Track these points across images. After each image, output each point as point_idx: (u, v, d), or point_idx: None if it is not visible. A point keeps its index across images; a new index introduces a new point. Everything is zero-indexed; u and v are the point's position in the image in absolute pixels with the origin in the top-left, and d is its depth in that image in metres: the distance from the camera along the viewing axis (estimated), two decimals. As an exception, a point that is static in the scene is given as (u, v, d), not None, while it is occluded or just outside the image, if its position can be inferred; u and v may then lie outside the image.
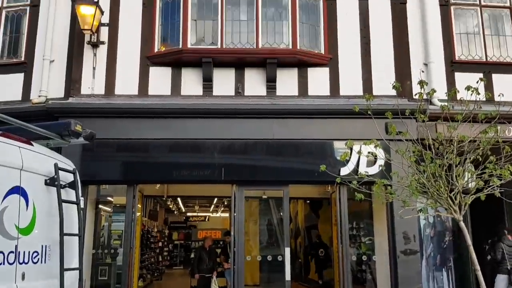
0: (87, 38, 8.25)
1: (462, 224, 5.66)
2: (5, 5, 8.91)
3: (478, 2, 8.91)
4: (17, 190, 3.41)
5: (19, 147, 3.57)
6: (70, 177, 4.12)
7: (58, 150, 4.49)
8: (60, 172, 3.88)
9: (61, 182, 3.85)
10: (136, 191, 8.11)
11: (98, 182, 8.39)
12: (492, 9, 8.93)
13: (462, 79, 8.03)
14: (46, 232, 3.69)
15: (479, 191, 5.67)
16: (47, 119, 6.95)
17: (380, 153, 6.60)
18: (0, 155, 3.33)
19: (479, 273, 5.50)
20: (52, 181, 3.78)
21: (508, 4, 8.95)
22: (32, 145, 3.81)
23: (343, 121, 8.01)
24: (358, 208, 8.89)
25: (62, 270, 3.58)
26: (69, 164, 4.26)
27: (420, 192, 5.76)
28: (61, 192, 3.79)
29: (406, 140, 6.05)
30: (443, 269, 9.32)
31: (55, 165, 3.85)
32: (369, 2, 8.66)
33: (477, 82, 6.07)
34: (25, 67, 8.52)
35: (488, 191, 5.64)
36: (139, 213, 8.60)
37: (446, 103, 6.14)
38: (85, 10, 7.91)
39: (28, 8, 8.81)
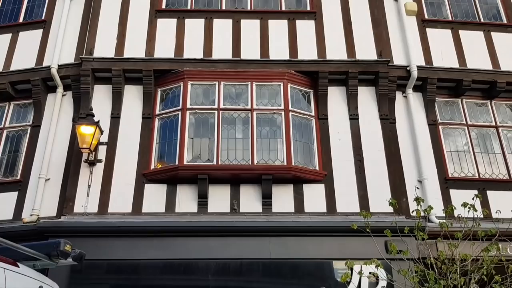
0: (84, 156, 8.37)
1: None
2: (7, 125, 9.19)
3: (464, 122, 9.29)
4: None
5: (4, 268, 3.40)
6: (54, 301, 3.86)
7: (44, 271, 4.27)
8: (44, 296, 3.64)
9: (44, 307, 3.60)
10: (124, 316, 7.59)
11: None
12: (479, 128, 9.28)
13: (458, 195, 8.06)
14: None
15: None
16: (37, 239, 6.77)
17: (381, 273, 6.36)
18: (-18, 279, 3.14)
19: None
20: (35, 306, 3.53)
21: (493, 124, 9.32)
22: (17, 266, 3.63)
23: (342, 239, 7.82)
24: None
25: None
26: (54, 287, 4.02)
27: (426, 314, 5.46)
28: (42, 319, 3.52)
29: (407, 259, 5.88)
30: None
31: (40, 288, 3.63)
32: (360, 120, 9.01)
33: (473, 198, 6.10)
34: (20, 186, 8.50)
35: (497, 313, 5.35)
36: None
37: (444, 221, 6.10)
38: (85, 130, 8.13)
39: (29, 128, 9.06)
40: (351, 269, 6.73)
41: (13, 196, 8.43)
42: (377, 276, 6.86)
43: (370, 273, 6.78)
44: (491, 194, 8.41)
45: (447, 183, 8.59)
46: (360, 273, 6.32)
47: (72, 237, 6.14)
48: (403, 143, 8.93)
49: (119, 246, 7.72)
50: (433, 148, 8.91)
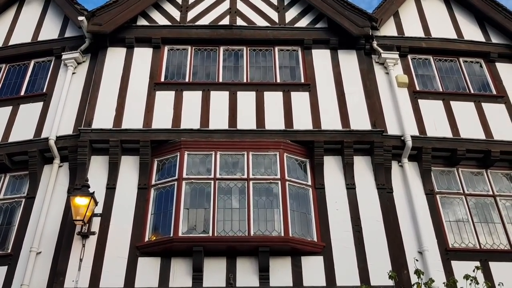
0: (77, 228, 8.21)
1: None
2: (1, 196, 9.10)
3: (462, 191, 9.25)
4: None
5: None
6: None
7: None
8: None
9: None
10: None
11: None
12: (477, 198, 9.21)
13: (459, 267, 7.88)
14: None
15: None
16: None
17: None
18: None
19: None
20: None
21: (491, 193, 9.29)
22: None
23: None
24: None
25: None
26: None
27: None
28: None
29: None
30: None
31: None
32: (357, 190, 8.96)
33: (474, 270, 5.97)
34: (10, 259, 8.26)
35: None
36: None
37: (447, 294, 5.91)
38: (80, 201, 8.04)
39: (23, 200, 8.97)
40: None
41: (2, 270, 8.16)
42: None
43: None
44: (493, 266, 8.19)
45: (448, 254, 8.39)
46: None
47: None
48: (401, 213, 8.83)
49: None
50: (431, 218, 8.80)
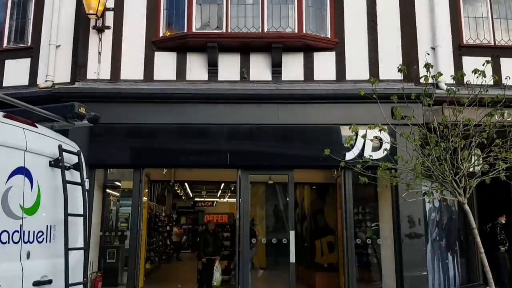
0: (92, 23, 8.25)
1: (466, 207, 5.65)
2: (11, -5, 8.92)
3: (485, -15, 8.74)
4: (22, 170, 3.46)
5: (23, 128, 3.61)
6: (74, 159, 4.16)
7: (65, 134, 4.51)
8: (65, 154, 3.91)
9: (65, 164, 3.89)
10: (143, 176, 8.17)
11: (105, 166, 8.47)
12: (500, -8, 8.75)
13: (470, 63, 7.88)
14: (51, 213, 3.74)
15: (484, 175, 5.65)
16: (54, 104, 6.97)
17: (385, 137, 6.58)
18: (3, 136, 3.36)
19: (483, 255, 5.51)
20: (56, 163, 3.83)
21: (515, -12, 8.77)
22: (36, 127, 3.84)
23: (349, 106, 7.98)
24: (363, 193, 8.90)
25: (67, 249, 3.64)
26: (73, 146, 4.29)
27: (424, 175, 5.76)
28: (65, 174, 3.83)
29: (412, 124, 6.02)
30: (449, 253, 9.33)
31: (59, 146, 3.89)
32: (376, -15, 8.54)
33: (483, 64, 6.01)
34: (32, 52, 8.56)
35: (493, 174, 5.62)
36: (146, 198, 8.68)
37: (452, 87, 6.10)
38: (90, -6, 7.89)
39: (34, -6, 8.81)
40: (356, 134, 7.01)
41: (26, 62, 8.54)
42: (380, 139, 7.10)
43: (374, 137, 7.01)
44: (504, 62, 8.26)
45: (461, 50, 8.39)
46: (364, 136, 6.56)
47: (87, 102, 6.34)
48: (419, 9, 8.56)
49: (133, 111, 8.01)
50: (450, 13, 8.53)
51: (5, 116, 3.50)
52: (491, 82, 6.04)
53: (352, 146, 7.42)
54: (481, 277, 9.62)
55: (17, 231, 3.34)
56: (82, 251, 3.99)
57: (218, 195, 22.34)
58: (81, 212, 4.08)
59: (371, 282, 9.04)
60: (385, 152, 7.42)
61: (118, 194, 9.82)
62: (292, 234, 8.03)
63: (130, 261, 7.84)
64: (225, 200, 22.68)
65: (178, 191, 20.36)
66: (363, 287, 8.39)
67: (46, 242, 3.65)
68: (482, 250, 5.58)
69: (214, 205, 24.40)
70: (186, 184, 18.07)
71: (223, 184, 17.37)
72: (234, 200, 18.98)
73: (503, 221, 10.58)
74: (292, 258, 7.92)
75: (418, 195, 6.14)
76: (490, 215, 10.61)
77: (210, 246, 10.68)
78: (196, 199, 24.41)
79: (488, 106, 5.87)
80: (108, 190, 9.02)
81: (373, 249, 8.86)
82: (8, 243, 3.26)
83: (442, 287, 8.87)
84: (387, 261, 8.12)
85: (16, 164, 3.43)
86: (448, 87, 6.14)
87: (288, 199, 8.52)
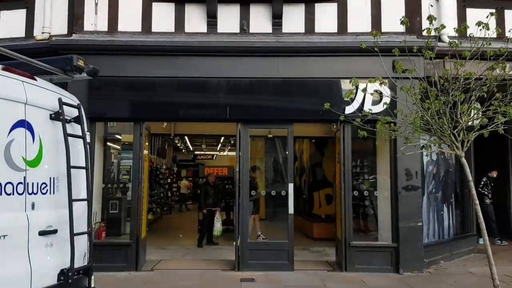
0: (88, -29, 8.01)
1: (463, 160, 5.72)
2: None
3: None
4: (23, 124, 3.48)
5: (22, 81, 3.60)
6: (75, 112, 4.17)
7: (64, 87, 4.49)
8: (65, 107, 3.92)
9: (66, 117, 3.91)
10: (143, 129, 8.20)
11: (106, 119, 8.49)
12: None
13: (474, 15, 7.76)
14: (54, 165, 3.80)
15: (483, 128, 5.69)
16: (51, 56, 6.90)
17: (385, 91, 6.56)
18: (3, 89, 3.36)
19: (478, 207, 5.63)
20: (57, 116, 3.84)
21: None
22: (35, 80, 3.83)
23: (350, 59, 7.90)
24: (362, 146, 8.97)
25: (71, 200, 3.73)
26: (73, 99, 4.30)
27: (423, 129, 5.80)
28: (66, 127, 3.85)
29: (413, 78, 5.99)
30: (444, 205, 9.55)
31: (59, 99, 3.89)
32: None
33: (487, 17, 5.90)
34: (27, 3, 8.36)
35: (492, 128, 5.65)
36: (147, 151, 8.75)
37: (454, 40, 6.02)
38: None
39: None
40: (356, 87, 6.98)
41: (22, 14, 8.35)
42: (381, 93, 7.08)
43: (374, 90, 6.98)
44: (508, 14, 8.10)
45: (465, 1, 8.20)
46: (364, 90, 6.53)
47: (85, 54, 6.27)
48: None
49: (132, 64, 7.94)
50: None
51: (4, 69, 3.48)
52: (494, 35, 5.97)
53: (352, 100, 7.41)
54: (474, 228, 9.91)
55: (21, 183, 3.41)
56: (85, 202, 4.08)
57: (218, 149, 22.52)
58: (83, 164, 4.13)
59: (367, 232, 9.29)
60: (385, 106, 7.44)
61: (118, 147, 9.90)
62: (291, 186, 8.17)
63: (132, 212, 8.02)
64: (225, 153, 22.88)
65: (179, 145, 20.53)
66: (359, 237, 8.63)
67: (50, 193, 3.73)
68: (477, 201, 5.70)
69: (214, 158, 24.65)
70: (186, 137, 18.18)
71: (222, 138, 17.48)
72: (233, 153, 19.20)
73: (495, 175, 10.83)
74: (291, 210, 8.10)
75: (416, 149, 6.20)
76: (486, 169, 10.79)
77: (210, 198, 10.90)
78: (196, 152, 24.62)
79: (490, 60, 5.81)
80: (108, 143, 9.09)
81: (370, 201, 9.03)
82: (13, 194, 3.34)
83: (437, 237, 9.14)
84: (383, 212, 8.31)
85: (17, 117, 3.45)
86: (451, 40, 6.06)
87: (287, 152, 8.60)
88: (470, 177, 5.79)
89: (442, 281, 7.28)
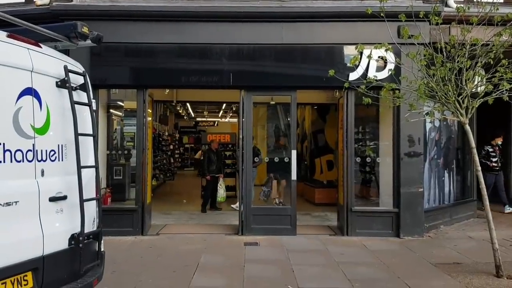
0: None
1: (467, 127, 5.75)
2: None
3: None
4: (30, 91, 3.47)
5: (28, 48, 3.57)
6: (80, 80, 4.16)
7: (66, 54, 4.46)
8: (71, 75, 3.90)
9: (72, 84, 3.90)
10: (146, 96, 8.19)
11: (108, 86, 8.48)
12: None
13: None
14: (61, 132, 3.81)
15: (487, 95, 5.68)
16: (52, 22, 6.78)
17: (390, 57, 6.51)
18: (9, 57, 3.33)
19: (480, 174, 5.71)
20: (63, 83, 3.83)
21: None
22: (40, 47, 3.79)
23: (355, 25, 7.81)
24: (365, 113, 8.99)
25: (79, 167, 3.76)
26: (78, 67, 4.27)
27: (428, 96, 5.80)
28: (72, 94, 3.85)
29: (418, 44, 5.94)
30: (445, 171, 9.64)
31: (65, 67, 3.87)
32: None
33: (496, -19, 5.80)
34: (26, -33, 8.19)
35: (496, 94, 5.65)
36: (150, 118, 8.77)
37: (462, 5, 5.94)
38: None
39: None
40: (361, 53, 6.93)
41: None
42: (386, 60, 7.03)
43: (379, 57, 6.93)
44: (518, -23, 7.93)
45: (474, -36, 8.00)
46: (369, 56, 6.49)
47: (87, 20, 6.20)
48: None
49: (134, 30, 7.86)
50: None
51: (9, 36, 3.44)
52: (502, 0, 5.88)
53: (357, 66, 7.38)
54: (475, 194, 10.04)
55: (30, 150, 3.44)
56: (93, 169, 4.12)
57: (219, 115, 22.51)
58: (90, 132, 4.15)
59: (369, 198, 9.42)
60: (390, 73, 7.41)
61: (121, 114, 9.92)
62: (293, 153, 8.22)
63: (137, 178, 8.11)
64: (227, 120, 22.88)
65: (180, 111, 20.51)
66: (361, 203, 8.76)
67: (59, 160, 3.76)
68: (479, 168, 5.77)
69: (216, 125, 24.68)
70: (188, 104, 18.14)
71: (224, 105, 17.44)
72: (235, 120, 19.17)
73: (499, 142, 10.78)
74: (294, 176, 8.18)
75: (420, 116, 6.23)
76: (487, 136, 10.79)
77: (213, 164, 10.99)
78: (198, 119, 24.62)
79: (498, 26, 5.75)
80: (111, 110, 9.10)
81: (372, 167, 9.12)
82: (23, 161, 3.37)
83: (437, 202, 9.27)
84: (385, 178, 8.39)
85: (24, 85, 3.44)
86: (458, 5, 5.97)
87: (289, 119, 8.62)
88: (473, 144, 5.84)
89: (442, 245, 7.44)
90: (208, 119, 24.30)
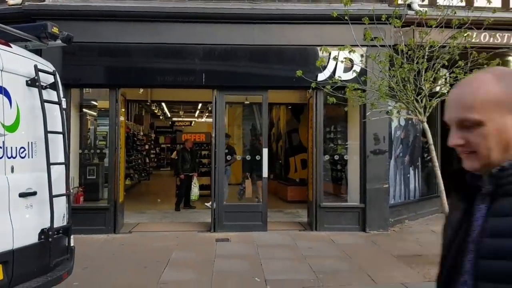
0: None
1: (425, 125, 6.06)
2: None
3: None
4: (0, 90, 3.59)
5: (-2, 48, 3.68)
6: (50, 79, 4.27)
7: (38, 53, 4.57)
8: (41, 74, 4.01)
9: (42, 83, 4.01)
10: (119, 95, 8.27)
11: (81, 85, 8.53)
12: None
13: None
14: (31, 130, 3.93)
15: (444, 95, 6.01)
16: (24, 22, 6.86)
17: (356, 58, 6.78)
18: (-21, 56, 3.45)
19: (437, 169, 6.02)
20: (33, 82, 3.94)
21: None
22: (10, 46, 3.90)
23: (324, 27, 8.04)
24: (334, 112, 9.26)
25: (49, 164, 3.88)
26: (48, 66, 4.38)
27: (388, 95, 6.09)
28: (42, 93, 3.97)
29: (381, 46, 6.22)
30: (411, 168, 10.00)
31: (35, 66, 3.98)
32: None
33: (455, -15, 6.11)
34: (-3, -34, 8.19)
35: (452, 94, 5.97)
36: (123, 117, 8.85)
37: (421, 9, 6.25)
38: None
39: None
40: (329, 55, 7.19)
41: (-9, -23, 8.20)
42: (352, 61, 7.30)
43: (344, 58, 7.19)
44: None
45: (437, -30, 8.36)
46: (335, 58, 6.75)
47: (60, 20, 6.37)
48: None
49: (107, 30, 7.94)
50: None
51: (-22, 36, 3.55)
52: (463, 3, 6.21)
53: (324, 68, 7.63)
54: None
55: (0, 147, 3.55)
56: (63, 166, 4.24)
57: (196, 115, 22.59)
58: (60, 129, 4.27)
59: (338, 195, 9.71)
60: (354, 74, 7.68)
61: (94, 113, 9.96)
62: (265, 151, 8.44)
63: (109, 177, 8.20)
64: (203, 120, 22.98)
65: (156, 111, 20.52)
66: (330, 199, 9.03)
67: (29, 157, 3.88)
68: (436, 164, 6.09)
69: (192, 124, 24.73)
70: (163, 104, 18.18)
71: (200, 104, 17.55)
72: (211, 120, 19.27)
73: None
74: (265, 174, 8.40)
75: (381, 114, 6.51)
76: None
77: (187, 163, 11.12)
78: (174, 119, 24.65)
79: (455, 28, 6.07)
80: (84, 110, 9.14)
81: (341, 165, 9.40)
82: (-7, 158, 3.49)
83: (403, 198, 9.62)
84: (353, 175, 8.69)
85: (-6, 83, 3.55)
86: (417, 9, 6.29)
87: (261, 119, 8.82)
88: (430, 141, 6.15)
89: (405, 239, 7.77)
90: (184, 119, 24.34)
